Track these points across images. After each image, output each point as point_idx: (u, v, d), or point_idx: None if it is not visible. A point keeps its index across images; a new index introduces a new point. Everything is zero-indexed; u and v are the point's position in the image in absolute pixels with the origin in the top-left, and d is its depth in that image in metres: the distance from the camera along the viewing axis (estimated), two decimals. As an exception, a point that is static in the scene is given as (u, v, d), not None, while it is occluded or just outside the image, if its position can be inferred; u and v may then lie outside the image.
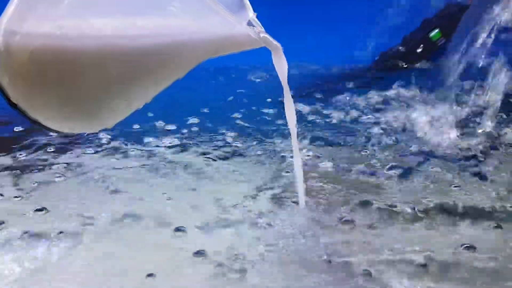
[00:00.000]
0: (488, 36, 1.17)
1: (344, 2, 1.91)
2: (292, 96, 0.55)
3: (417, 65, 1.74)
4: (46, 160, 0.91)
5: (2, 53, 0.41)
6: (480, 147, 0.92)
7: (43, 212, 0.69)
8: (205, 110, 1.26)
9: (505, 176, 0.79)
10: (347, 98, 1.35)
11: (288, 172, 0.83)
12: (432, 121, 1.05)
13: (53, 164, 0.88)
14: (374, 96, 1.33)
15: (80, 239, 0.61)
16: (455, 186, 0.76)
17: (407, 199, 0.72)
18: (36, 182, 0.80)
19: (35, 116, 0.44)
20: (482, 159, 0.87)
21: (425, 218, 0.66)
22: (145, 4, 0.45)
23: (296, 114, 0.59)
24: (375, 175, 0.81)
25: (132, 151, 0.96)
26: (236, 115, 1.21)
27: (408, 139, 0.99)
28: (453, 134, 0.97)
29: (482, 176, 0.80)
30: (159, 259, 0.57)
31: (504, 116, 1.08)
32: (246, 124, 1.14)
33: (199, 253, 0.58)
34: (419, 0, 1.77)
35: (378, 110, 1.22)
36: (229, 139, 1.03)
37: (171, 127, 1.11)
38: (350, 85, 1.55)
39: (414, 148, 0.94)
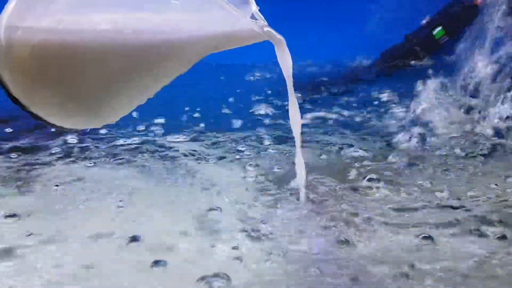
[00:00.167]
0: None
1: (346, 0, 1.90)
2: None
3: (421, 63, 1.74)
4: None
5: (3, 49, 0.41)
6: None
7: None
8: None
9: None
10: (349, 98, 1.34)
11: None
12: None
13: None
14: (378, 95, 1.32)
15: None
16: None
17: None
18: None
19: (36, 112, 0.43)
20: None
21: None
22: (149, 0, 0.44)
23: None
24: None
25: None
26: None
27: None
28: None
29: None
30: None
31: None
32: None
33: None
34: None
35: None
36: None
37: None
38: (352, 84, 1.55)
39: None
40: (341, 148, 0.95)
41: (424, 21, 1.77)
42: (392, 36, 1.81)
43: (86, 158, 0.90)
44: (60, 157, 0.91)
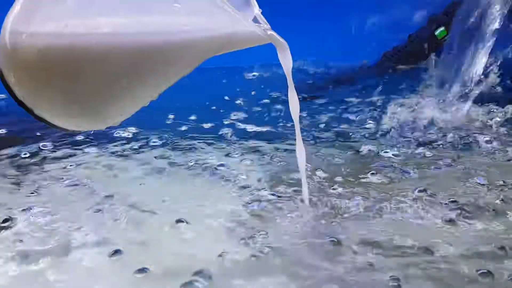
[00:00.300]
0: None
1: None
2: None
3: (423, 63, 1.74)
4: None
5: (8, 52, 0.41)
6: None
7: None
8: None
9: None
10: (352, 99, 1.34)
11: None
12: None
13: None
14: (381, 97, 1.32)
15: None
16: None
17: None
18: None
19: (41, 114, 0.44)
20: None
21: None
22: (151, 2, 0.45)
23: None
24: None
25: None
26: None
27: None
28: None
29: None
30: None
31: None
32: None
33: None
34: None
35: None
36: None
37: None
38: (354, 85, 1.55)
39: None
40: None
41: (426, 21, 1.77)
42: (395, 36, 1.81)
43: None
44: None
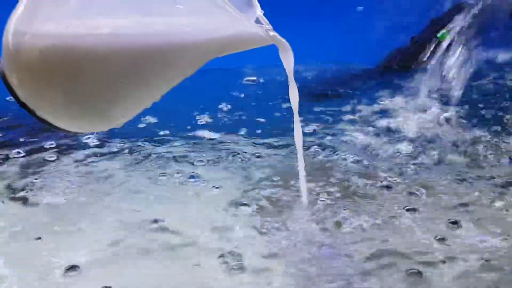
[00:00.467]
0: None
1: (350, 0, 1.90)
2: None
3: (426, 65, 1.73)
4: None
5: (11, 53, 0.41)
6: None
7: None
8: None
9: None
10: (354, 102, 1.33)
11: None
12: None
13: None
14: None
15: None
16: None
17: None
18: None
19: (43, 116, 0.44)
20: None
21: None
22: (153, 3, 0.45)
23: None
24: None
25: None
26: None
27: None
28: None
29: None
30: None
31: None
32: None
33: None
34: (427, -1, 1.76)
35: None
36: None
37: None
38: (356, 87, 1.54)
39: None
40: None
41: (428, 23, 1.77)
42: (397, 38, 1.81)
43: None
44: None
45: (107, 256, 0.63)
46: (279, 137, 1.02)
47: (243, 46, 0.48)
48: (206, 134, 1.04)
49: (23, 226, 0.70)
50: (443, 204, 0.73)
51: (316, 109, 1.26)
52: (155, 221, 0.70)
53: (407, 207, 0.72)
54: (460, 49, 1.20)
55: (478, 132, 1.00)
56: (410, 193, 0.77)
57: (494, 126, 1.04)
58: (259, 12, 0.48)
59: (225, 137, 1.03)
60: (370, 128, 1.08)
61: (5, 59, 0.42)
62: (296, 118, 0.59)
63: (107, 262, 0.62)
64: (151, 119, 1.11)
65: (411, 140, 0.99)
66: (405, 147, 0.95)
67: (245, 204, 0.73)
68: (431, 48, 1.71)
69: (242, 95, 1.36)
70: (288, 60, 0.51)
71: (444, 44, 1.67)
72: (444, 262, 0.60)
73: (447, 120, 1.08)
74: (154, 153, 0.94)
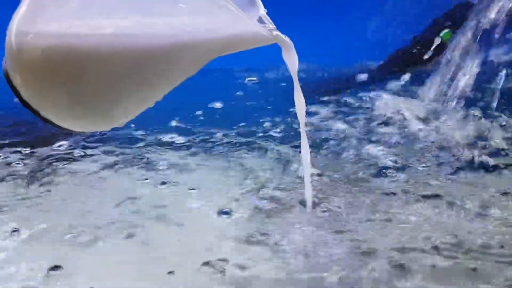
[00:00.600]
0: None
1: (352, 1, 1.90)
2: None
3: (428, 65, 1.73)
4: None
5: (14, 53, 0.41)
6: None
7: None
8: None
9: None
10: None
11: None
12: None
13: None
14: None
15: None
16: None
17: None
18: None
19: (46, 115, 0.44)
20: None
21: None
22: (155, 3, 0.44)
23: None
24: None
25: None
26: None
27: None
28: None
29: None
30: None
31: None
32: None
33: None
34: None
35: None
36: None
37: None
38: (358, 87, 1.54)
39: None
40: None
41: (431, 23, 1.76)
42: (399, 38, 1.80)
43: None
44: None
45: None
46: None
47: (246, 45, 0.48)
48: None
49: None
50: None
51: (317, 109, 1.26)
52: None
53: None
54: (462, 48, 1.19)
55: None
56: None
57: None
58: (262, 11, 0.48)
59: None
60: (371, 128, 1.08)
61: (8, 59, 0.42)
62: (302, 124, 0.58)
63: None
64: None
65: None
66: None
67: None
68: (434, 48, 1.71)
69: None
70: (291, 59, 0.50)
71: (447, 44, 1.67)
72: None
73: (449, 120, 1.07)
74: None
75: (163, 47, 0.44)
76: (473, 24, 1.17)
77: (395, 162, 0.87)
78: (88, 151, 0.95)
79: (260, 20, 0.48)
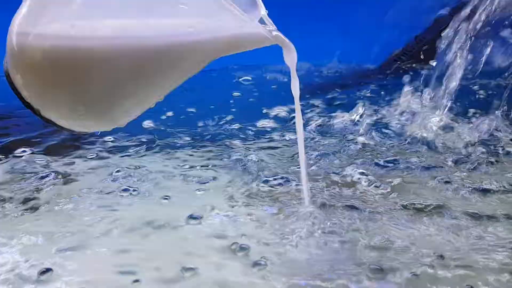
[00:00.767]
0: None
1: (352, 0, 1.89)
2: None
3: (430, 65, 1.73)
4: None
5: (16, 53, 0.41)
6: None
7: None
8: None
9: None
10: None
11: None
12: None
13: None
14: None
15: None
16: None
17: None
18: None
19: (47, 116, 0.44)
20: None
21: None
22: (156, 3, 0.45)
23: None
24: None
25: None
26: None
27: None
28: None
29: None
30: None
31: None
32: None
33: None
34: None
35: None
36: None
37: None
38: (360, 88, 1.53)
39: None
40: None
41: (432, 22, 1.76)
42: (400, 38, 1.80)
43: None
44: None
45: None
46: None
47: (247, 46, 0.48)
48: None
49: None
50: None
51: (316, 108, 1.26)
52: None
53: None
54: (464, 48, 1.19)
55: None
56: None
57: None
58: (263, 12, 0.48)
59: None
60: (372, 129, 1.07)
61: (9, 59, 0.42)
62: (299, 120, 0.58)
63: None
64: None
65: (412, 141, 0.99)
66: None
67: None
68: (435, 47, 1.70)
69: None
70: (291, 60, 0.51)
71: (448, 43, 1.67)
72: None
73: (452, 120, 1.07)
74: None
75: (165, 48, 0.44)
76: (473, 23, 1.17)
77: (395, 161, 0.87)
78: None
79: (261, 21, 0.48)
